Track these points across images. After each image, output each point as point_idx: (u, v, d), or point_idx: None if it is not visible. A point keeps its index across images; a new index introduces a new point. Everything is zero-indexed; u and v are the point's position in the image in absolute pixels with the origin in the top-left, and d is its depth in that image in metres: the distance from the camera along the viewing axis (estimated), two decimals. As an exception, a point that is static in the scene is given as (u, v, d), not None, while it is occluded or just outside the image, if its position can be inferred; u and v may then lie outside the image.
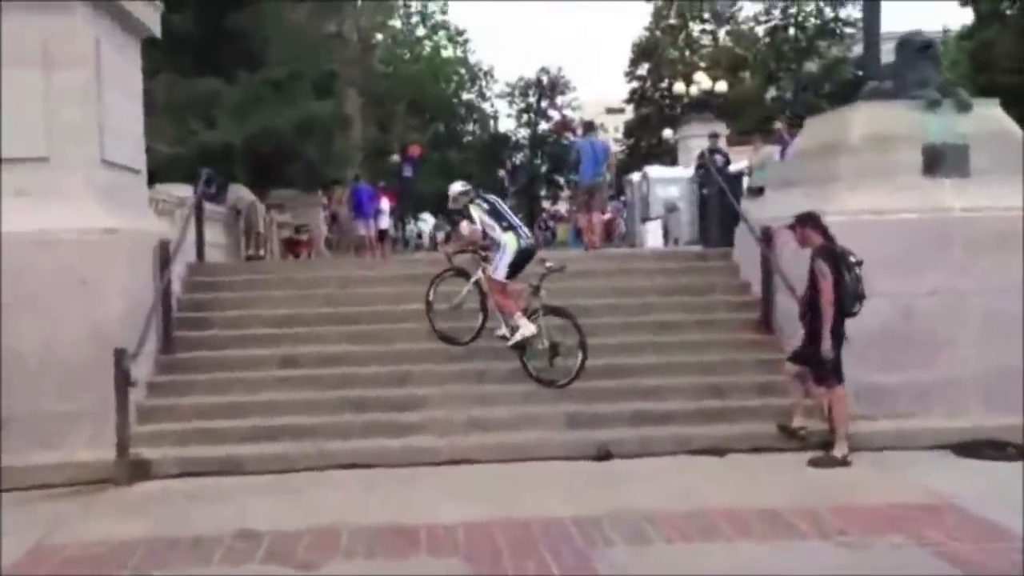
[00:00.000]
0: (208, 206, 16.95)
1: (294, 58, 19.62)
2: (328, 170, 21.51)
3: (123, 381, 7.69)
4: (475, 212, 9.44)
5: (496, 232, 9.23)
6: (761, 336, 9.63)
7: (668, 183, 28.91)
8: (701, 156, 15.68)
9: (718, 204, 11.79)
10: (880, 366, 8.43)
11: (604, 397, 8.79)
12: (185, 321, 9.76)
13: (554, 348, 9.03)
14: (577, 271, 10.85)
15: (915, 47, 9.35)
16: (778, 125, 15.93)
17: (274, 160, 19.05)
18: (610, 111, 69.86)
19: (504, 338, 9.26)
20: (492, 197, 9.84)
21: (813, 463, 7.68)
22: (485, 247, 9.54)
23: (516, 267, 9.20)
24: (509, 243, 9.16)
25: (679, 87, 33.28)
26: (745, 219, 9.94)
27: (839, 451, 7.71)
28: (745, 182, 15.23)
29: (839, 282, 7.61)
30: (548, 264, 9.27)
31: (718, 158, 15.88)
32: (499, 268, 9.18)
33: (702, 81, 31.78)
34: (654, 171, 29.95)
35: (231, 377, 9.08)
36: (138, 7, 9.41)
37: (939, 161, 8.81)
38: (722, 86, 32.34)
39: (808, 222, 7.93)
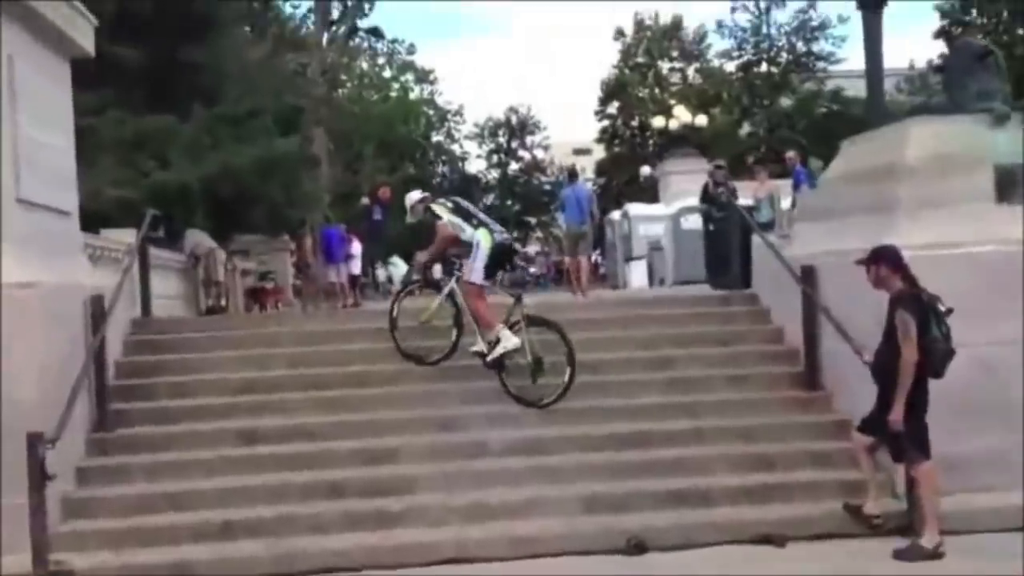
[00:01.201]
0: (163, 253, 15.45)
1: (255, 93, 18.19)
2: (294, 213, 19.95)
3: (38, 474, 6.09)
4: (440, 211, 8.69)
5: (466, 232, 8.48)
6: (806, 393, 8.23)
7: (651, 221, 27.88)
8: (706, 188, 14.42)
9: (740, 241, 10.43)
10: (956, 431, 7.02)
11: (629, 472, 7.34)
12: (124, 390, 8.19)
13: (538, 363, 8.13)
14: (580, 320, 9.46)
15: (972, 54, 8.11)
16: (790, 155, 14.77)
17: (235, 203, 17.50)
18: (577, 152, 69.06)
19: (481, 355, 8.34)
20: (455, 197, 9.02)
21: (899, 555, 6.25)
22: (458, 255, 8.77)
23: (493, 267, 8.50)
24: (483, 240, 8.37)
25: (658, 121, 32.23)
26: (780, 257, 8.58)
27: (928, 540, 6.28)
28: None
29: (924, 336, 6.24)
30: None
31: (720, 191, 14.61)
32: (474, 269, 8.35)
33: (681, 115, 30.75)
34: (636, 209, 28.87)
35: (179, 459, 7.51)
36: (65, 20, 7.94)
37: (1014, 185, 7.51)
38: (702, 120, 31.34)
39: (885, 259, 6.55)
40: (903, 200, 7.53)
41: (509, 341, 8.14)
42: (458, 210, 8.71)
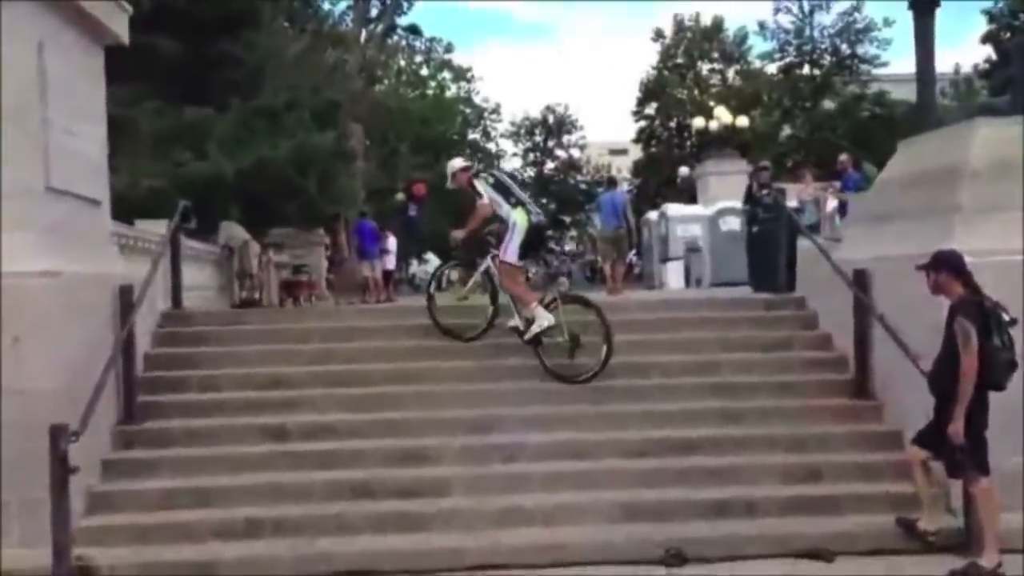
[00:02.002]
0: (198, 245, 15.37)
1: (293, 86, 18.05)
2: (329, 207, 19.79)
3: (60, 467, 5.91)
4: (480, 186, 8.65)
5: (503, 209, 8.49)
6: (856, 402, 7.88)
7: (688, 222, 27.43)
8: (749, 189, 14.04)
9: (787, 244, 10.07)
10: (1018, 445, 6.65)
11: (670, 480, 7.04)
12: (152, 383, 8.03)
13: (575, 341, 8.20)
14: (622, 322, 9.14)
15: (1037, 55, 7.73)
16: (843, 158, 14.36)
17: (270, 195, 17.38)
18: (613, 152, 68.61)
19: (518, 331, 8.41)
20: (499, 171, 9.00)
21: (956, 576, 5.91)
22: (492, 232, 8.82)
23: (528, 247, 8.51)
24: (519, 220, 8.39)
25: (698, 122, 31.74)
26: (831, 261, 8.23)
27: (988, 560, 5.92)
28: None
29: (984, 346, 5.89)
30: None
31: (764, 192, 14.22)
32: (509, 249, 8.38)
33: (722, 116, 30.24)
34: (673, 209, 28.38)
35: (205, 454, 7.33)
36: (97, 6, 7.78)
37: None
38: (743, 121, 30.83)
39: (945, 265, 6.19)
40: (965, 204, 7.15)
41: (544, 319, 8.18)
42: (499, 186, 8.68)
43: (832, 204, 14.30)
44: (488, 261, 8.81)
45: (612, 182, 19.33)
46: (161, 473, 7.13)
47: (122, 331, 7.38)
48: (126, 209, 12.58)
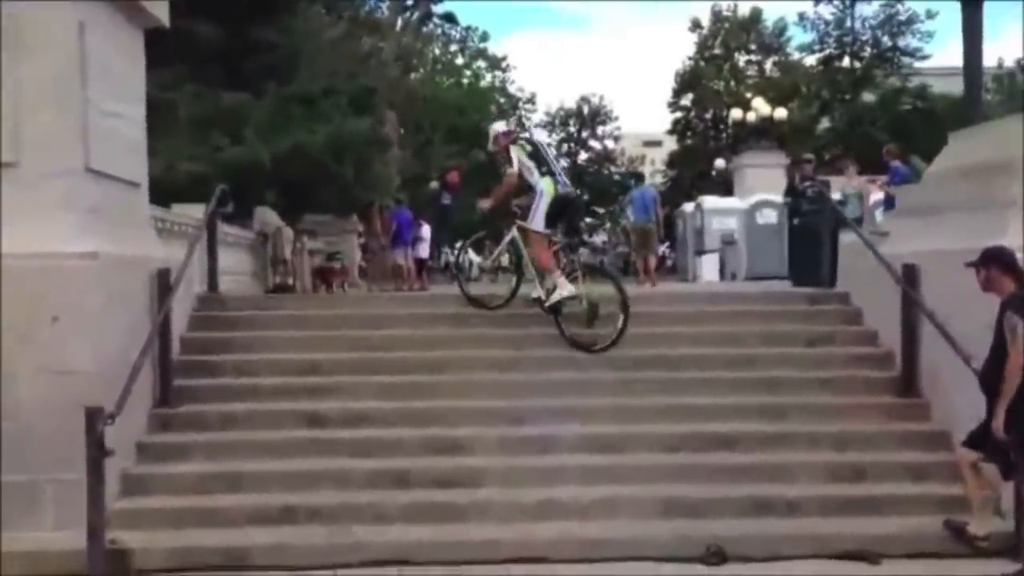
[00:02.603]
0: (232, 230, 15.37)
1: (329, 73, 18.02)
2: (364, 194, 19.77)
3: (96, 450, 5.88)
4: (515, 153, 8.76)
5: (534, 176, 8.61)
6: (901, 400, 7.69)
7: (724, 214, 27.15)
8: (791, 182, 13.85)
9: (830, 237, 9.86)
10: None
11: (710, 476, 6.90)
12: (188, 366, 8.00)
13: (593, 310, 8.40)
14: (656, 314, 9.04)
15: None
16: (890, 147, 14.04)
17: (306, 181, 17.37)
18: (647, 144, 68.13)
19: (539, 301, 8.60)
20: (538, 139, 9.14)
21: (1007, 581, 5.73)
22: (520, 204, 8.86)
23: (554, 217, 8.61)
24: (546, 188, 8.53)
25: (736, 113, 31.39)
26: (879, 255, 8.02)
27: (1040, 566, 5.75)
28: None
29: (1034, 343, 5.68)
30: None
31: (807, 184, 13.97)
32: (535, 216, 8.54)
33: (760, 108, 29.88)
34: (709, 202, 28.09)
35: (240, 439, 7.29)
36: (139, -12, 7.74)
37: None
38: (781, 113, 30.45)
39: (996, 261, 6.00)
40: (1018, 198, 6.93)
41: (565, 288, 8.35)
42: (535, 155, 8.73)
43: (876, 197, 14.03)
44: (513, 231, 8.91)
45: (640, 178, 20.39)
46: (196, 457, 7.10)
47: (159, 314, 7.34)
48: (163, 193, 12.57)
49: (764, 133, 30.15)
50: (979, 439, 6.06)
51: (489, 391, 7.87)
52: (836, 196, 13.68)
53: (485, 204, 9.41)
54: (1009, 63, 44.24)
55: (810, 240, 11.23)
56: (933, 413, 7.51)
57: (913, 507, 6.59)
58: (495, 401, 7.74)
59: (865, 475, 6.92)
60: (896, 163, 13.92)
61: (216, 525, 6.44)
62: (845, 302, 9.13)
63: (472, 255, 10.23)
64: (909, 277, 7.63)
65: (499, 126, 9.42)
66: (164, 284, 7.48)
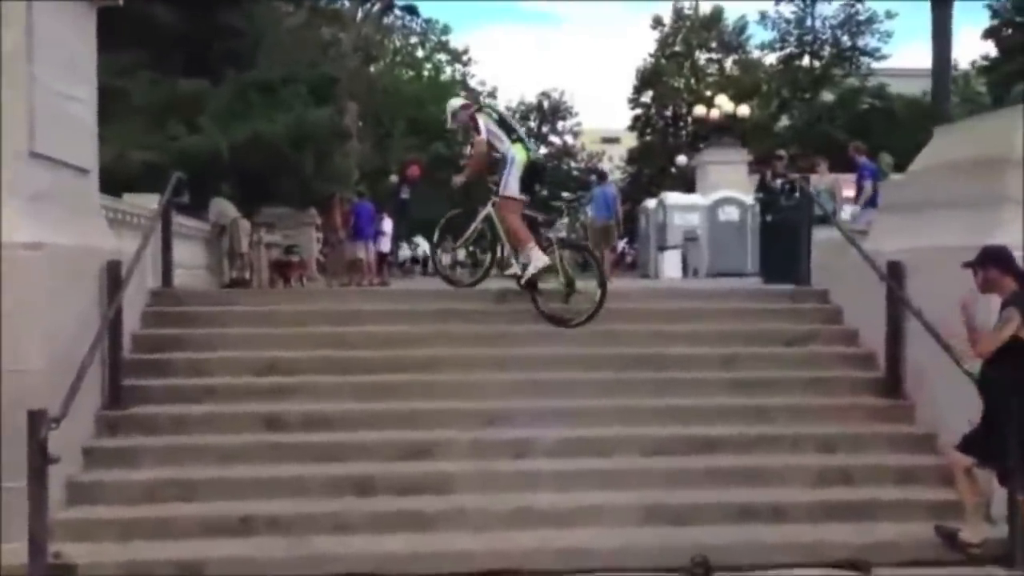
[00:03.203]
0: (188, 221, 14.81)
1: (289, 60, 17.47)
2: (323, 186, 19.20)
3: (39, 456, 5.43)
4: (482, 120, 8.62)
5: (504, 144, 8.46)
6: (888, 401, 7.46)
7: (687, 211, 27.00)
8: (763, 178, 13.68)
9: (807, 234, 9.61)
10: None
11: (693, 480, 6.61)
12: (140, 365, 7.53)
13: (570, 284, 8.38)
14: (638, 311, 8.75)
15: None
16: (857, 144, 13.91)
17: (264, 173, 16.82)
18: (606, 140, 68.03)
19: (516, 278, 8.47)
20: (502, 108, 8.78)
21: (1004, 593, 5.51)
22: (495, 181, 8.63)
23: (527, 184, 8.47)
24: (517, 155, 8.40)
25: (699, 110, 31.24)
26: (864, 253, 7.78)
27: (1038, 575, 5.53)
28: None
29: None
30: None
31: (778, 182, 13.80)
32: (508, 183, 8.38)
33: (724, 104, 29.76)
34: (672, 198, 27.90)
35: (195, 443, 6.84)
36: (91, -38, 7.25)
37: None
38: (744, 110, 30.36)
39: (994, 261, 5.79)
40: (1012, 194, 6.71)
41: (540, 260, 8.22)
42: (502, 122, 8.67)
43: (846, 193, 13.89)
44: (488, 208, 8.73)
45: (602, 176, 20.43)
46: (147, 463, 6.64)
47: (109, 309, 6.87)
48: (114, 182, 12.04)
49: (726, 130, 30.01)
50: (974, 443, 5.84)
51: (462, 392, 7.50)
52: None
53: (459, 179, 9.17)
54: (963, 65, 44.75)
55: (786, 236, 10.96)
56: (918, 415, 7.30)
57: (902, 512, 6.36)
58: (468, 402, 7.37)
59: (852, 479, 6.68)
60: (863, 159, 13.79)
61: (169, 536, 6.00)
62: (824, 300, 8.90)
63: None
64: (895, 274, 7.39)
65: (456, 101, 9.35)
66: (114, 277, 7.01)
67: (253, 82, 16.42)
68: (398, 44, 52.78)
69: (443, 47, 56.38)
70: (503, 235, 8.69)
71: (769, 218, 12.15)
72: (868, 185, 12.84)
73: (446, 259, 9.74)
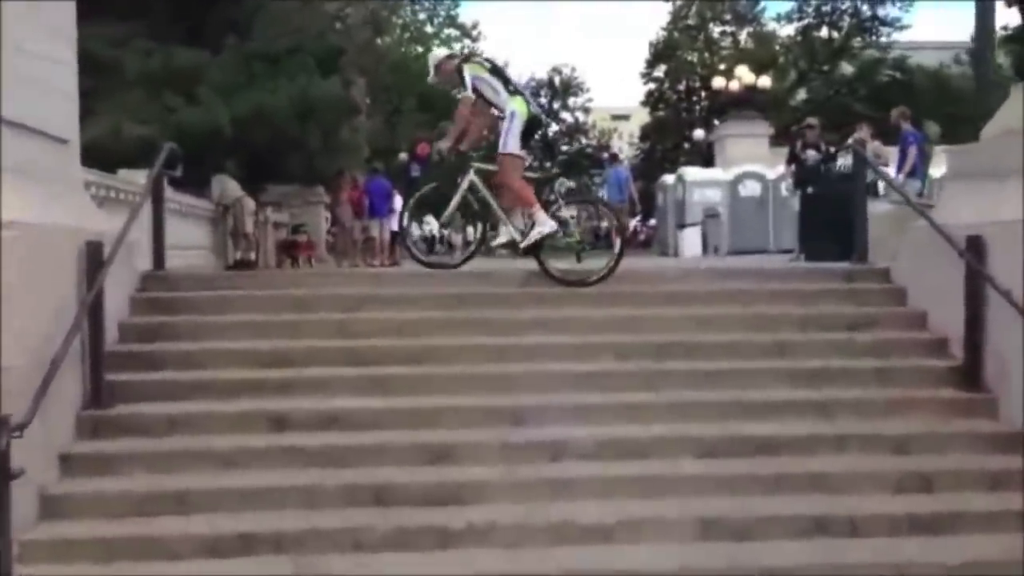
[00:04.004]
0: (190, 199, 14.10)
1: (294, 30, 16.58)
2: (331, 163, 18.38)
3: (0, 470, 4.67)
4: (468, 72, 7.85)
5: (500, 96, 7.78)
6: (965, 394, 6.61)
7: (707, 186, 26.23)
8: (792, 150, 12.84)
9: (860, 207, 8.71)
10: None
11: (752, 488, 5.79)
12: (126, 358, 6.72)
13: (581, 243, 7.89)
14: (674, 293, 7.93)
15: None
16: (900, 110, 13.04)
17: (269, 148, 16.00)
18: (616, 117, 66.98)
19: (511, 245, 7.98)
20: (494, 59, 8.42)
21: None
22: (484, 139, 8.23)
23: (526, 138, 7.85)
24: (518, 108, 7.69)
25: (718, 81, 30.27)
26: (936, 225, 6.93)
27: None
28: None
29: None
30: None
31: (810, 153, 12.94)
32: (509, 139, 7.67)
33: (744, 76, 28.78)
34: (691, 173, 27.10)
35: (188, 447, 6.04)
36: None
37: None
38: (765, 81, 29.38)
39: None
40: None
41: (546, 224, 7.66)
42: (496, 72, 7.98)
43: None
44: (471, 175, 8.00)
45: (615, 158, 21.54)
46: (134, 470, 5.85)
47: (88, 294, 6.08)
48: (110, 158, 11.35)
49: (747, 102, 29.06)
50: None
51: (487, 385, 6.67)
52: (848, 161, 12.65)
53: (444, 145, 8.33)
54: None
55: (833, 209, 10.06)
56: (1002, 410, 6.45)
57: (993, 524, 5.53)
58: (494, 398, 6.54)
59: (932, 484, 5.85)
60: (908, 126, 12.94)
61: (157, 557, 5.22)
62: (885, 279, 8.02)
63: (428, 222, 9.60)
64: (975, 250, 6.55)
65: (440, 52, 8.80)
66: (95, 259, 6.21)
67: (255, 52, 15.56)
68: (408, 19, 51.77)
69: (452, 22, 55.33)
70: (493, 202, 8.04)
71: (810, 190, 11.26)
72: (912, 152, 12.00)
73: (416, 238, 9.15)
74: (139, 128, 13.38)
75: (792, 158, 13.09)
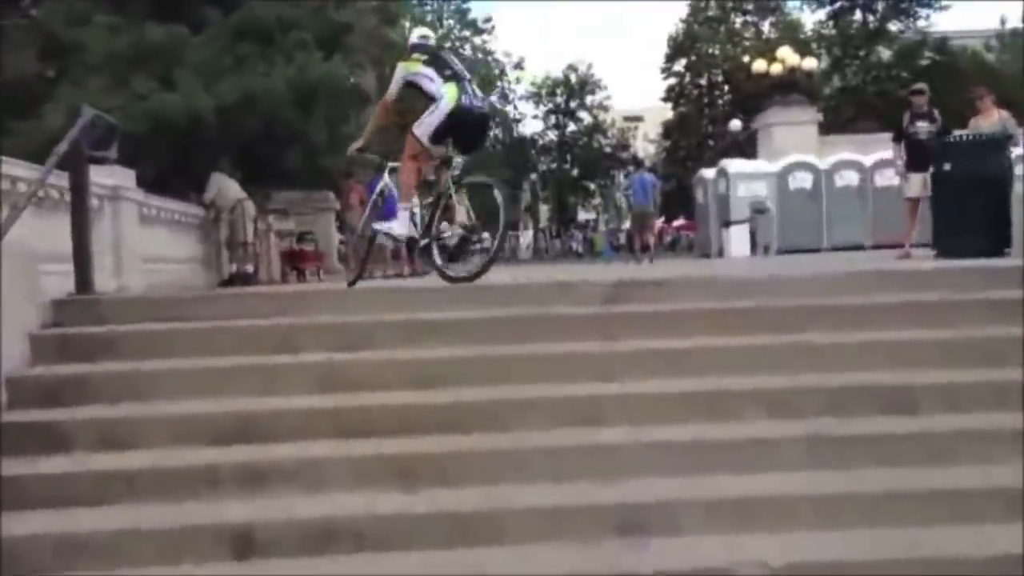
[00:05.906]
0: (172, 204, 12.03)
1: (290, 4, 14.31)
2: (337, 160, 16.08)
3: None
4: (400, 72, 7.29)
5: (435, 84, 7.09)
6: None
7: (752, 180, 24.13)
8: (900, 124, 10.64)
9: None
10: None
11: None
12: (19, 432, 4.40)
13: (469, 232, 7.12)
14: (817, 309, 5.51)
15: None
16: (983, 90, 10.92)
17: (263, 142, 13.75)
18: (628, 119, 65.04)
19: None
20: (444, 52, 7.85)
21: None
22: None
23: (446, 132, 7.04)
24: (447, 94, 7.01)
25: (759, 65, 27.87)
26: None
27: None
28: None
29: None
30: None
31: (920, 125, 10.63)
32: (425, 122, 7.05)
33: (787, 58, 26.42)
34: (735, 166, 24.85)
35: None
36: None
37: None
38: (811, 63, 27.03)
39: None
40: None
41: (402, 228, 7.38)
42: (435, 60, 7.22)
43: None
44: (385, 178, 7.75)
45: (639, 163, 23.51)
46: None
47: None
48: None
49: (791, 87, 26.74)
50: None
51: (556, 469, 4.29)
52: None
53: (354, 146, 7.89)
54: (1013, 22, 41.72)
55: (977, 194, 7.74)
56: None
57: None
58: (572, 490, 4.15)
59: None
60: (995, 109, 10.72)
61: None
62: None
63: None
64: None
65: (418, 31, 8.00)
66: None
67: (242, 28, 13.21)
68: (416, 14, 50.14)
69: (463, 18, 53.76)
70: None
71: (948, 167, 8.90)
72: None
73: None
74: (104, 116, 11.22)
75: (898, 134, 10.80)
